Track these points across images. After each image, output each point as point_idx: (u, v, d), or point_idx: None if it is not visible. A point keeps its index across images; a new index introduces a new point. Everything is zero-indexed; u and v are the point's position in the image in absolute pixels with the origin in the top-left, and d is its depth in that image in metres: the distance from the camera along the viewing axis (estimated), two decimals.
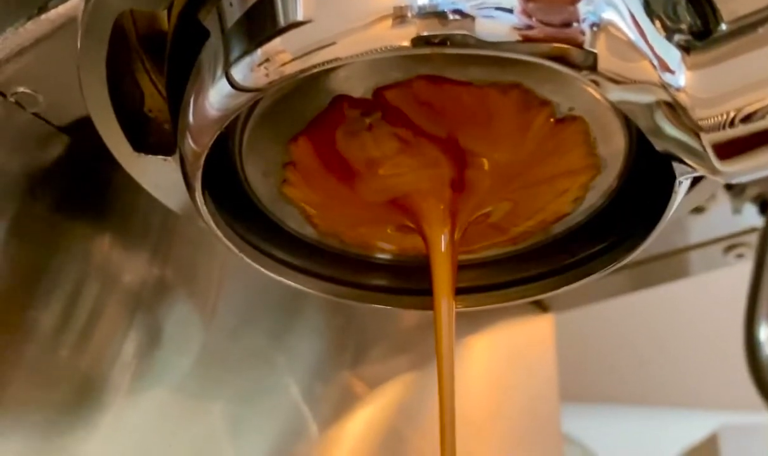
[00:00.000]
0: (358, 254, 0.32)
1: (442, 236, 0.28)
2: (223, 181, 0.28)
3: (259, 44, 0.22)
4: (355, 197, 0.28)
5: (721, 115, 0.22)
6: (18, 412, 0.32)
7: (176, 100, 0.26)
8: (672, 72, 0.22)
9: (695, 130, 0.22)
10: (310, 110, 0.25)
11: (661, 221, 0.27)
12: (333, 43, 0.21)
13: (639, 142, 0.26)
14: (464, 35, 0.21)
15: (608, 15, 0.21)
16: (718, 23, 0.23)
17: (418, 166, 0.27)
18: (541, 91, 0.25)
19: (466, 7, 0.21)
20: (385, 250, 0.32)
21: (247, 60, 0.22)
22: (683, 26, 0.23)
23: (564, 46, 0.21)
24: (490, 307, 0.32)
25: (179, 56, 0.26)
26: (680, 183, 0.25)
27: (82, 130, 0.31)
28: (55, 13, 0.29)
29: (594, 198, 0.29)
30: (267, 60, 0.22)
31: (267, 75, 0.22)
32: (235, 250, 0.29)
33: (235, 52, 0.23)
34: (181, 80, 0.25)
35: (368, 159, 0.27)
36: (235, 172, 0.28)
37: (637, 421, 0.90)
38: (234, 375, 0.39)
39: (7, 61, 0.30)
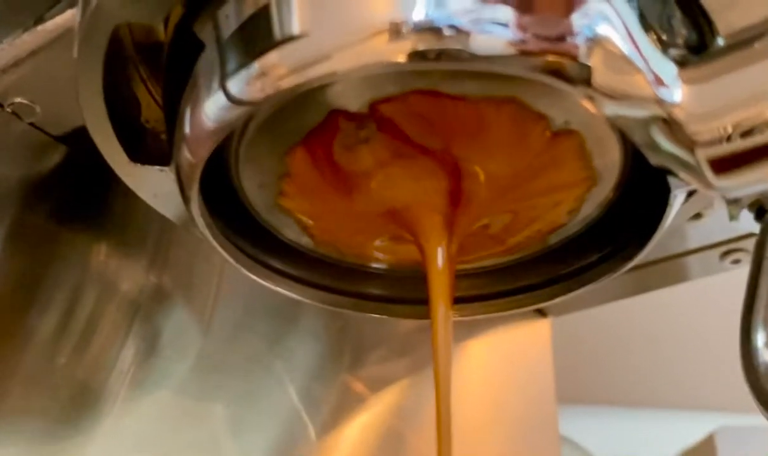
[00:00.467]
0: (354, 263, 0.32)
1: (439, 248, 0.28)
2: (219, 191, 0.28)
3: (255, 57, 0.22)
4: (351, 208, 0.28)
5: (717, 130, 0.22)
6: (16, 420, 0.32)
7: (173, 110, 0.25)
8: (667, 87, 0.22)
9: (690, 145, 0.22)
10: (306, 123, 0.25)
11: (657, 232, 0.27)
12: (329, 58, 0.21)
13: (634, 154, 0.26)
14: (459, 50, 0.21)
15: (603, 29, 0.21)
16: (713, 37, 0.23)
17: (414, 179, 0.27)
18: (537, 105, 0.25)
19: (461, 22, 0.21)
20: (381, 260, 0.32)
21: (243, 73, 0.22)
22: (679, 40, 0.23)
23: (559, 60, 0.21)
24: (487, 317, 0.32)
25: (176, 67, 0.25)
26: (675, 196, 0.25)
27: (79, 140, 0.31)
28: (52, 24, 0.29)
29: (590, 209, 0.29)
30: (263, 74, 0.22)
31: (263, 89, 0.22)
32: (232, 261, 0.29)
33: (231, 65, 0.23)
34: (178, 91, 0.25)
35: (364, 171, 0.27)
36: (232, 182, 0.28)
37: (634, 422, 0.90)
38: (232, 380, 0.39)
39: (4, 71, 0.30)
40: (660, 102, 0.22)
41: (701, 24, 0.23)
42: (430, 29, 0.21)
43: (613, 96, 0.22)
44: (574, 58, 0.21)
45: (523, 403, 0.50)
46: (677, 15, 0.23)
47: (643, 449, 0.85)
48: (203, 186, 0.26)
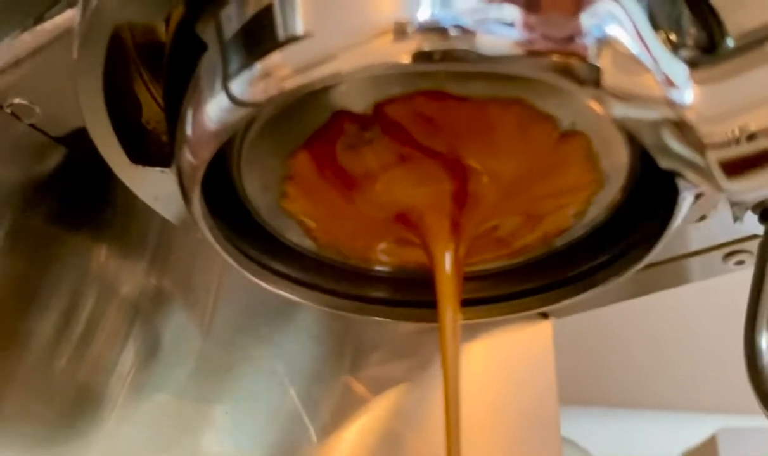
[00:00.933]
0: (357, 267, 0.32)
1: (447, 251, 0.28)
2: (221, 193, 0.28)
3: (258, 58, 0.22)
4: (355, 211, 0.28)
5: (728, 132, 0.21)
6: (14, 424, 0.32)
7: (174, 111, 0.25)
8: (677, 88, 0.22)
9: (701, 148, 0.22)
10: (309, 125, 0.25)
11: (665, 235, 0.27)
12: (333, 58, 0.21)
13: (642, 156, 0.26)
14: (465, 50, 0.20)
15: (612, 29, 0.21)
16: (723, 37, 0.23)
17: (419, 181, 0.27)
18: (543, 107, 0.24)
19: (467, 22, 0.20)
20: (385, 263, 0.32)
21: (245, 74, 0.22)
22: (689, 40, 0.23)
23: (567, 61, 0.21)
24: (491, 320, 0.32)
25: (178, 67, 0.25)
26: (684, 198, 0.25)
27: (79, 141, 0.31)
28: (51, 24, 0.29)
29: (596, 211, 0.29)
30: (266, 74, 0.22)
31: (266, 90, 0.22)
32: (234, 263, 0.29)
33: (233, 66, 0.22)
34: (180, 92, 0.25)
35: (368, 173, 0.27)
36: (234, 184, 0.28)
37: (636, 424, 0.90)
38: (233, 382, 0.39)
39: (3, 72, 0.30)
40: (671, 103, 0.22)
41: (711, 24, 0.23)
42: (436, 29, 0.20)
43: (622, 97, 0.21)
44: (583, 58, 0.21)
45: (525, 404, 0.50)
46: (686, 15, 0.23)
47: (645, 451, 0.85)
48: (205, 188, 0.26)
